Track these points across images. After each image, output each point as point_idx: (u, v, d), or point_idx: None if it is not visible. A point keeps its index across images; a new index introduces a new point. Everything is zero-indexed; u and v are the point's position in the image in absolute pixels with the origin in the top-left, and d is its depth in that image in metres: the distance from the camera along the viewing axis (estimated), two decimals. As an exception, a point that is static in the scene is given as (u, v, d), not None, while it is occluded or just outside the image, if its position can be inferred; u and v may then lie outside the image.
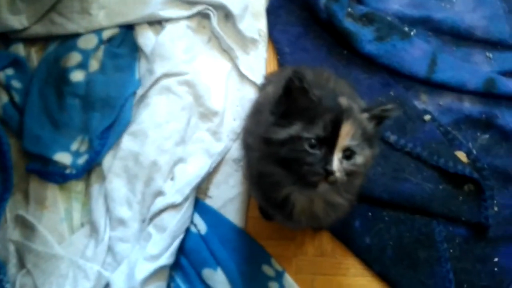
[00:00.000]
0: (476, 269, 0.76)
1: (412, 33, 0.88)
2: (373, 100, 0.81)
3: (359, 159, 0.50)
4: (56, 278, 0.74)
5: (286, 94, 0.49)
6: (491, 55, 0.86)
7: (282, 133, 0.49)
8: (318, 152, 0.48)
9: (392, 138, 0.80)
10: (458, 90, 0.82)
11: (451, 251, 0.77)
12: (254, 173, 0.60)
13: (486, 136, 0.81)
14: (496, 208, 0.78)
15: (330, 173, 0.47)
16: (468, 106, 0.82)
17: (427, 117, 0.82)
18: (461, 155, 0.80)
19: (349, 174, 0.50)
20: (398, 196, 0.78)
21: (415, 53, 0.84)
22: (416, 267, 0.77)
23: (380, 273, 0.77)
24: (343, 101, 0.51)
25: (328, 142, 0.48)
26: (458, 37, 0.87)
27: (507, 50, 0.86)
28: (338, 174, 0.48)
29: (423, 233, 0.78)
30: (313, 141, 0.48)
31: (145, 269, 0.72)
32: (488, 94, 0.82)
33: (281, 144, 0.49)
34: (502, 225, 0.78)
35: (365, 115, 0.51)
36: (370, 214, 0.79)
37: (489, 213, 0.77)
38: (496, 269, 0.76)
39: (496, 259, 0.76)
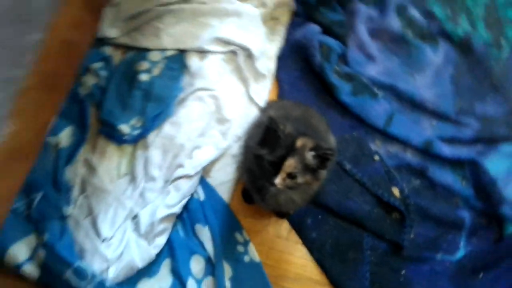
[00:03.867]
0: (388, 275, 0.97)
1: (379, 94, 1.08)
2: (340, 136, 1.03)
3: (300, 179, 0.72)
4: (104, 205, 1.04)
5: (265, 131, 0.73)
6: (434, 123, 1.05)
7: (259, 151, 0.73)
8: (272, 169, 0.72)
9: (348, 166, 1.02)
10: (404, 143, 1.02)
11: (373, 258, 0.99)
12: (246, 165, 0.85)
13: (418, 181, 1.01)
14: (412, 235, 0.98)
15: (273, 184, 0.72)
16: (410, 156, 1.03)
17: (376, 157, 1.03)
18: (396, 191, 1.01)
19: (292, 187, 0.73)
20: (343, 209, 1.01)
21: (378, 110, 1.04)
22: (345, 263, 0.99)
23: (317, 260, 1.00)
24: (299, 142, 0.71)
25: (279, 166, 0.71)
26: (413, 105, 1.06)
27: (448, 122, 1.05)
28: (279, 186, 0.72)
29: (356, 240, 1.00)
30: (270, 162, 0.72)
31: (163, 212, 1.00)
32: (426, 151, 1.01)
33: (257, 156, 0.74)
34: (414, 248, 0.97)
35: (312, 153, 0.71)
36: (320, 216, 1.02)
37: (406, 237, 0.97)
38: (402, 279, 0.96)
39: (403, 272, 0.97)
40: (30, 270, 0.97)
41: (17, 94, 0.48)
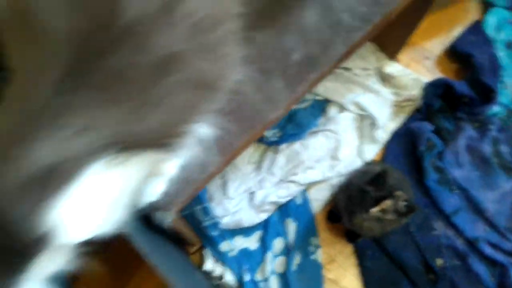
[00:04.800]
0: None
1: (455, 191, 1.36)
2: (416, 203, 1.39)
3: (387, 216, 1.02)
4: (234, 176, 1.39)
5: (376, 176, 1.06)
6: (487, 229, 1.32)
7: (366, 188, 1.09)
8: (372, 202, 1.07)
9: (412, 229, 1.32)
10: (460, 232, 1.31)
11: (405, 299, 1.27)
12: (347, 194, 1.13)
13: (459, 263, 1.29)
14: (438, 294, 1.27)
15: (368, 211, 1.03)
16: (459, 243, 1.31)
17: (435, 232, 1.33)
18: (440, 261, 1.28)
19: (379, 219, 1.03)
20: (397, 256, 1.29)
21: (450, 201, 1.32)
22: (383, 292, 1.29)
23: (364, 282, 1.27)
24: (398, 193, 1.02)
25: (378, 201, 1.03)
26: (477, 210, 1.33)
27: (496, 232, 1.31)
28: (372, 214, 1.02)
29: (397, 280, 1.27)
30: (373, 197, 1.05)
31: (272, 198, 1.36)
32: (472, 245, 1.31)
33: (363, 190, 1.09)
34: (437, 306, 1.25)
35: (404, 203, 1.03)
36: (378, 253, 1.31)
37: (434, 295, 1.26)
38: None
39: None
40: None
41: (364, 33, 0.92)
